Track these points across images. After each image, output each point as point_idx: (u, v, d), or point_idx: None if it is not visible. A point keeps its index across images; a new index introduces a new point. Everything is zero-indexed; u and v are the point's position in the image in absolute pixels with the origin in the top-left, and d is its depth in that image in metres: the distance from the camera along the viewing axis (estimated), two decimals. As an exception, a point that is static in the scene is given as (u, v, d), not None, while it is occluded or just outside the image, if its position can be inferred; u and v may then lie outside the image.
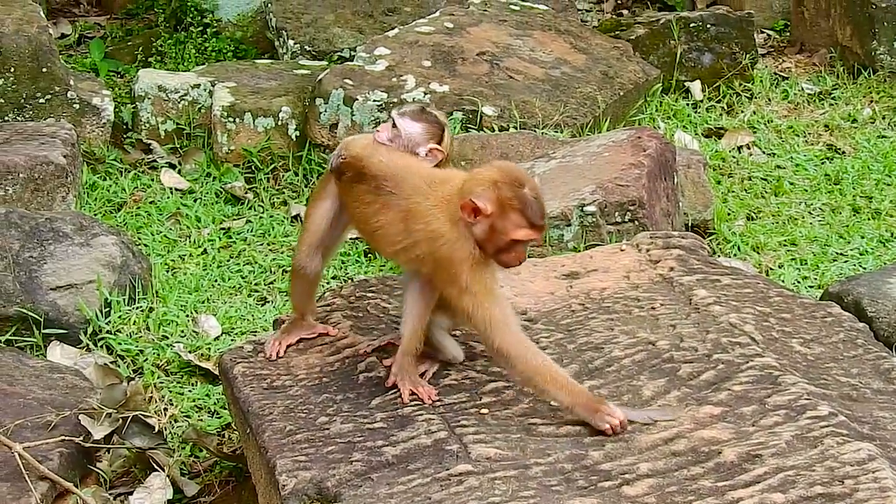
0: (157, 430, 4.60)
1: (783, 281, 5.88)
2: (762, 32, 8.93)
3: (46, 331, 5.29)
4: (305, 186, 6.81)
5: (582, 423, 3.76)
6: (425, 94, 6.78)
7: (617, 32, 8.07)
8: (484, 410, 3.87)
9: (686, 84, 7.94)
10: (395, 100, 6.71)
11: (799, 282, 5.93)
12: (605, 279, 4.70)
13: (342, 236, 4.33)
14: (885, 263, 6.07)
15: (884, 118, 7.78)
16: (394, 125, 4.06)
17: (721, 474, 3.48)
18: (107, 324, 5.40)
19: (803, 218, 6.60)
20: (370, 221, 3.93)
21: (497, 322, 3.75)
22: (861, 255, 6.22)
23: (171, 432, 4.82)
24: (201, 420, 4.93)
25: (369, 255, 6.11)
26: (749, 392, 3.87)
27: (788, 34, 9.02)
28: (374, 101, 6.75)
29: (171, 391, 5.10)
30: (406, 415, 3.88)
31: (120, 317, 5.46)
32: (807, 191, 6.91)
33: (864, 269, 6.03)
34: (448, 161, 4.15)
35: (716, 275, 4.71)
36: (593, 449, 3.65)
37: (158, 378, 5.18)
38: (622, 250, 4.93)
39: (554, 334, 4.31)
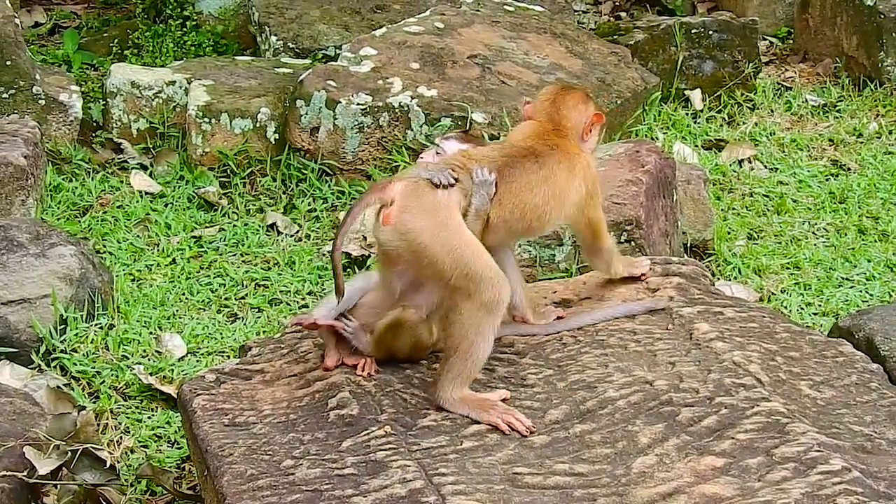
0: (109, 464, 4.22)
1: (786, 307, 5.55)
2: (764, 39, 8.63)
3: (-5, 349, 4.94)
4: (283, 193, 6.46)
5: (571, 475, 3.48)
6: (412, 98, 6.40)
7: (615, 37, 7.74)
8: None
9: (686, 93, 7.61)
10: (380, 103, 6.35)
11: (803, 308, 5.60)
12: (599, 309, 4.40)
13: None
14: (893, 291, 5.76)
15: (890, 133, 7.46)
16: (437, 150, 4.27)
17: (725, 540, 3.19)
18: (61, 342, 5.02)
19: (807, 238, 6.27)
20: (529, 199, 4.04)
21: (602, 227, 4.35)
22: (868, 280, 5.87)
23: (126, 464, 4.46)
24: (160, 451, 4.57)
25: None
26: (755, 441, 3.60)
27: (791, 42, 8.73)
28: (358, 104, 6.38)
29: (128, 417, 4.74)
30: (379, 460, 3.60)
31: (76, 335, 5.08)
32: (810, 209, 6.57)
33: (871, 296, 5.72)
34: None
35: (718, 306, 4.41)
36: (584, 505, 3.34)
37: (115, 403, 4.82)
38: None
39: (543, 370, 4.05)
